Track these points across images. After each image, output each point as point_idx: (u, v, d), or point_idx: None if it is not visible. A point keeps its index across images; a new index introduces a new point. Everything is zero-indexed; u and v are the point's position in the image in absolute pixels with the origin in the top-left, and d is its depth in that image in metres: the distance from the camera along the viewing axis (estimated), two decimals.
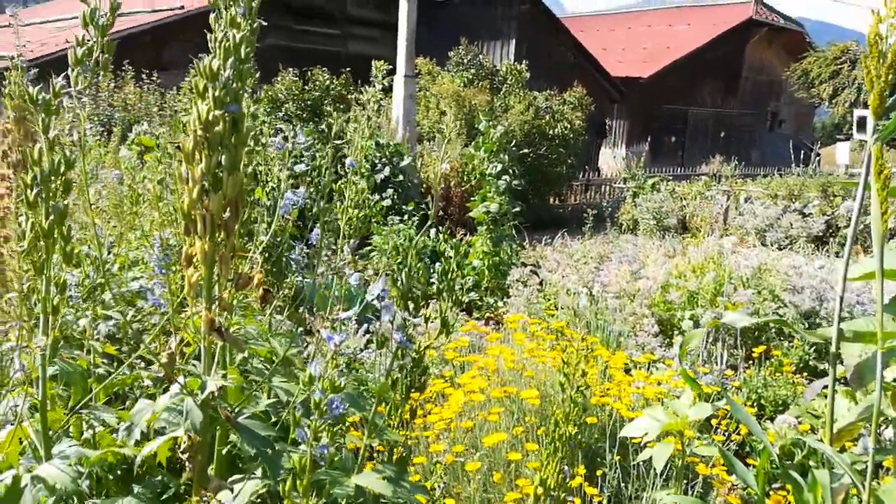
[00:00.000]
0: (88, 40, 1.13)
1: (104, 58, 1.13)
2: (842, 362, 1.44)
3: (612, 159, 19.15)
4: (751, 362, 4.15)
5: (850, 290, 4.70)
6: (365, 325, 4.12)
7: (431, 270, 6.59)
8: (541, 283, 5.69)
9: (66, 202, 0.94)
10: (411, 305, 1.26)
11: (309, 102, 8.70)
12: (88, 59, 1.13)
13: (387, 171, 8.51)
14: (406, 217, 8.00)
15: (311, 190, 1.89)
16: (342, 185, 1.57)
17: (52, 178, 0.93)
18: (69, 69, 1.12)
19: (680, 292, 4.88)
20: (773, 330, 4.47)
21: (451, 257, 1.41)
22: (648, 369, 3.51)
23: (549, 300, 5.29)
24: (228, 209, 1.08)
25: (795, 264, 5.20)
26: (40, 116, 0.95)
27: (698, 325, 4.66)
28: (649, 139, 18.16)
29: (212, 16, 1.18)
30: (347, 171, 1.54)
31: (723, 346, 4.27)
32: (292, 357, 1.49)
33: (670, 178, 13.20)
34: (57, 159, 0.94)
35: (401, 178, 8.39)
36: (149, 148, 5.82)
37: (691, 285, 4.89)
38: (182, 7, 13.16)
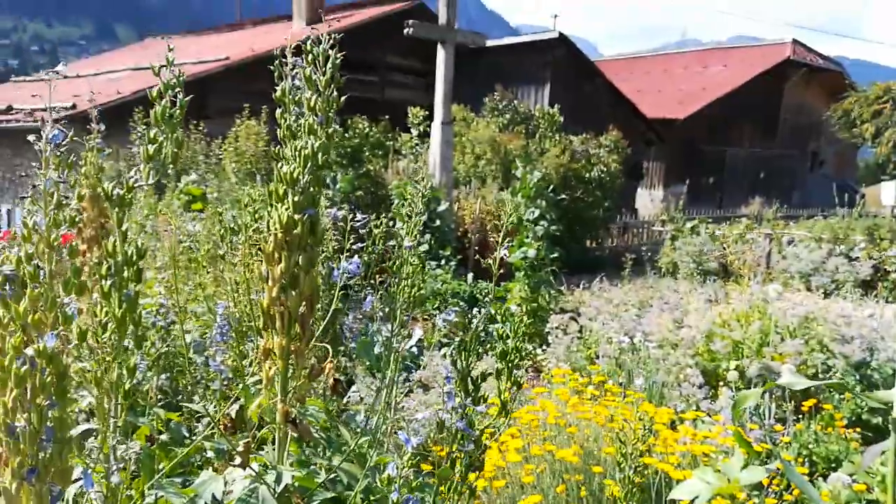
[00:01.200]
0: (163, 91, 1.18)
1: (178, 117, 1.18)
2: None
3: (648, 201, 19.04)
4: (800, 415, 4.02)
5: None
6: (405, 374, 4.12)
7: (470, 316, 6.59)
8: (580, 330, 5.64)
9: (137, 289, 0.98)
10: (471, 387, 1.26)
11: (349, 149, 8.89)
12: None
13: (425, 216, 8.59)
14: (443, 262, 8.04)
15: (366, 258, 1.92)
16: (398, 265, 1.59)
17: (126, 268, 0.97)
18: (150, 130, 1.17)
19: (724, 342, 4.78)
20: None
21: (508, 336, 1.39)
22: (695, 424, 3.43)
23: (589, 348, 5.22)
24: (304, 305, 1.12)
25: (844, 312, 5.06)
26: (114, 211, 1.00)
27: (744, 376, 4.54)
28: (687, 181, 18.02)
29: (278, 111, 1.23)
30: (404, 251, 1.57)
31: (770, 398, 4.15)
32: (343, 424, 1.50)
33: (709, 220, 13.05)
34: (130, 251, 0.99)
35: (438, 223, 8.47)
36: (196, 197, 6.00)
37: (736, 335, 4.78)
38: (227, 57, 13.66)
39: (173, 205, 4.33)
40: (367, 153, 9.29)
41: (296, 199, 1.13)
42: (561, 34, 16.54)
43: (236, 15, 23.34)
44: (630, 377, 4.62)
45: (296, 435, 1.15)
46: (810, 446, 3.68)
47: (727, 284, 8.04)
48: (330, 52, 1.21)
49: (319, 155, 1.16)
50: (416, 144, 10.74)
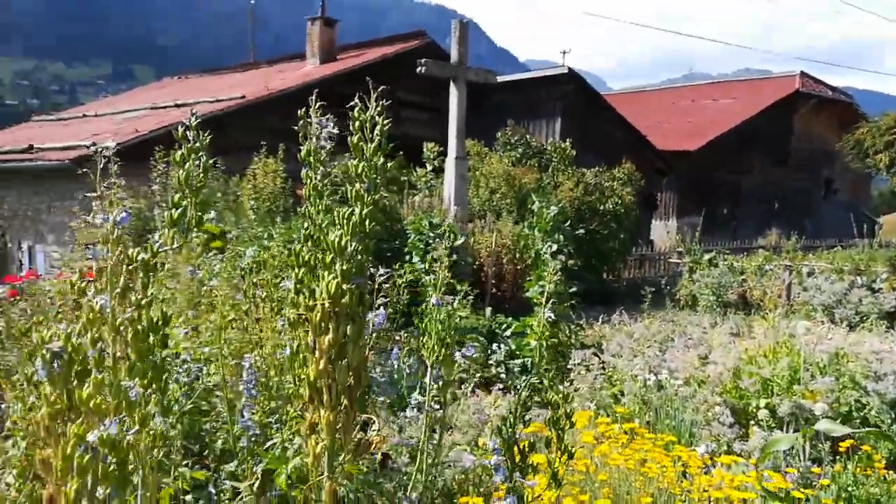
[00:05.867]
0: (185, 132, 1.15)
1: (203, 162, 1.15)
2: None
3: (664, 232, 18.95)
4: (837, 456, 3.89)
5: None
6: (417, 403, 4.04)
7: (489, 351, 6.50)
8: (603, 366, 5.53)
9: (163, 356, 0.94)
10: (518, 457, 1.20)
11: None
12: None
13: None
14: (460, 296, 7.97)
15: (391, 311, 1.87)
16: (426, 324, 1.55)
17: (152, 333, 0.94)
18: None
19: (753, 379, 4.67)
20: (859, 421, 4.21)
21: (559, 404, 1.31)
22: (729, 468, 3.31)
23: (614, 385, 5.12)
24: (352, 377, 1.07)
25: (875, 348, 4.94)
26: (139, 276, 0.96)
27: (775, 414, 4.42)
28: (703, 211, 17.90)
29: (304, 171, 1.19)
30: (432, 308, 1.52)
31: (805, 439, 4.03)
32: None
33: (727, 251, 12.94)
34: (155, 317, 0.95)
35: (454, 257, 8.42)
36: (215, 235, 5.99)
37: (765, 372, 4.67)
38: (243, 96, 13.85)
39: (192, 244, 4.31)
40: (382, 188, 9.29)
41: (344, 267, 1.08)
42: (570, 69, 16.68)
43: (251, 55, 23.76)
44: (658, 416, 4.51)
45: None
46: (850, 489, 3.55)
47: (749, 318, 7.92)
48: (378, 119, 1.17)
49: (367, 223, 1.12)
50: (431, 179, 10.77)
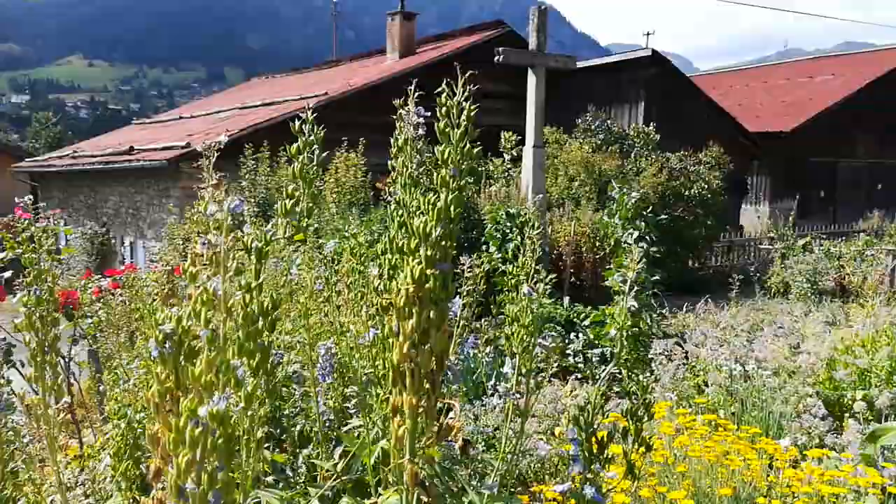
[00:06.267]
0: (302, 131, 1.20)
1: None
2: None
3: (755, 217, 18.12)
4: None
5: None
6: (502, 401, 4.06)
7: (567, 341, 6.43)
8: (686, 356, 5.38)
9: (270, 340, 1.00)
10: (596, 448, 1.20)
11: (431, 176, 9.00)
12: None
13: (519, 239, 8.54)
14: (543, 284, 7.92)
15: (469, 300, 1.90)
16: (512, 312, 1.56)
17: (261, 318, 0.99)
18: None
19: (849, 370, 4.43)
20: None
21: (636, 392, 1.29)
22: (820, 462, 3.16)
23: (697, 376, 4.97)
24: (434, 361, 1.10)
25: None
26: (252, 263, 1.02)
27: (873, 406, 4.17)
28: (798, 196, 16.99)
29: (399, 160, 1.22)
30: (522, 297, 1.53)
31: None
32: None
33: (822, 236, 12.25)
34: (266, 302, 1.00)
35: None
36: (297, 227, 6.22)
37: (862, 362, 4.42)
38: (326, 93, 14.23)
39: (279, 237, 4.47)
40: None
41: (429, 253, 1.10)
42: (654, 51, 16.17)
43: (333, 53, 24.34)
44: (744, 407, 4.35)
45: (425, 499, 1.13)
46: None
47: (847, 305, 7.48)
48: (465, 104, 1.19)
49: (452, 208, 1.14)
50: (509, 168, 10.73)
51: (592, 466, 1.15)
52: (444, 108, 1.19)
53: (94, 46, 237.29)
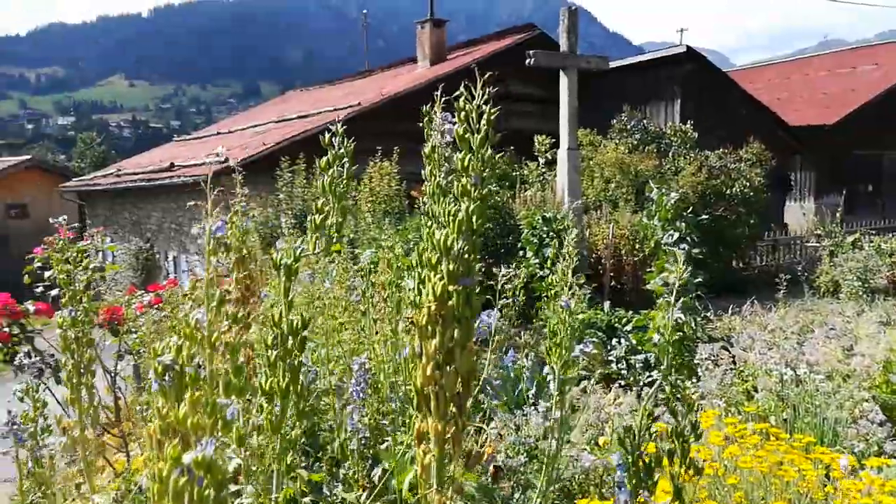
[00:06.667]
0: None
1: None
2: None
3: (800, 214, 17.61)
4: None
5: None
6: (544, 411, 3.97)
7: (608, 347, 6.31)
8: (733, 361, 5.21)
9: (301, 359, 0.96)
10: (644, 475, 1.13)
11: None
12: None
13: (555, 245, 8.43)
14: (578, 293, 7.80)
15: (509, 312, 1.84)
16: (557, 325, 1.50)
17: (291, 337, 0.96)
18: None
19: None
20: None
21: (677, 409, 1.20)
22: (880, 471, 3.01)
23: (745, 381, 4.81)
24: (460, 383, 1.04)
25: None
26: (281, 280, 0.99)
27: None
28: (845, 191, 16.44)
29: (426, 169, 1.18)
30: (560, 310, 1.48)
31: None
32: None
33: (872, 231, 11.82)
34: (296, 321, 0.97)
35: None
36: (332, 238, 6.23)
37: None
38: (359, 103, 14.32)
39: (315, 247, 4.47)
40: (493, 185, 9.29)
41: (450, 267, 1.04)
42: (689, 48, 15.88)
43: (366, 63, 24.54)
44: (796, 413, 4.19)
45: None
46: None
47: None
48: (484, 107, 1.13)
49: (475, 219, 1.07)
50: (544, 172, 10.63)
51: (639, 493, 1.08)
52: (462, 113, 1.13)
53: (134, 67, 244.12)
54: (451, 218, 1.05)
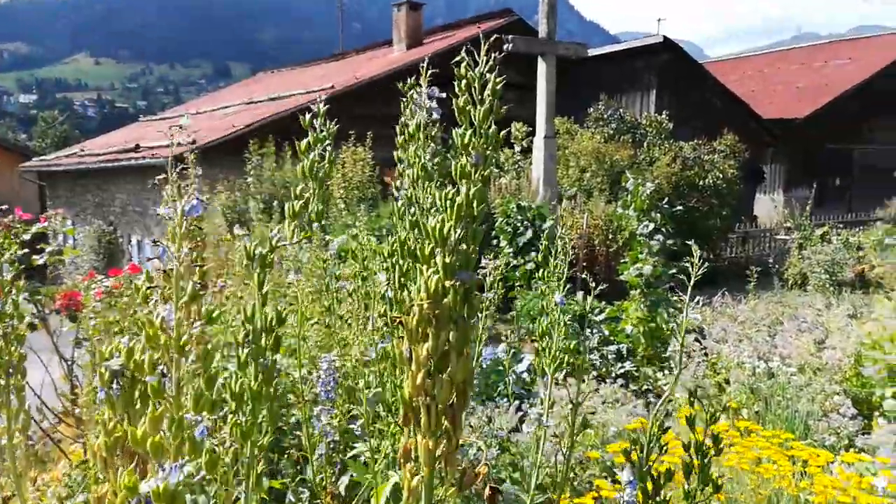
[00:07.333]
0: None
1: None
2: None
3: (772, 207, 17.81)
4: None
5: None
6: (517, 402, 3.90)
7: (581, 337, 6.27)
8: (706, 353, 5.20)
9: (275, 358, 0.84)
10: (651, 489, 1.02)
11: (448, 169, 8.84)
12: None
13: (529, 233, 8.36)
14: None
15: (488, 307, 1.74)
16: (546, 327, 1.40)
17: (264, 335, 0.83)
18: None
19: (878, 366, 4.24)
20: None
21: (695, 420, 1.10)
22: (852, 465, 2.99)
23: (718, 374, 4.79)
24: (455, 395, 0.91)
25: None
26: (255, 272, 0.86)
27: None
28: (815, 184, 16.67)
29: (408, 150, 1.05)
30: (553, 310, 1.37)
31: None
32: None
33: (840, 224, 11.99)
34: (270, 316, 0.84)
35: (543, 242, 8.20)
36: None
37: (892, 357, 4.22)
38: (332, 86, 14.06)
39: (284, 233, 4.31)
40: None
41: (447, 259, 0.90)
42: (665, 38, 15.88)
43: (340, 45, 24.17)
44: (768, 406, 4.18)
45: None
46: None
47: (869, 297, 7.27)
48: (488, 76, 0.99)
49: (475, 204, 0.93)
50: (519, 160, 10.54)
51: None
52: (463, 82, 0.99)
53: (100, 44, 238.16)
54: (448, 203, 0.92)
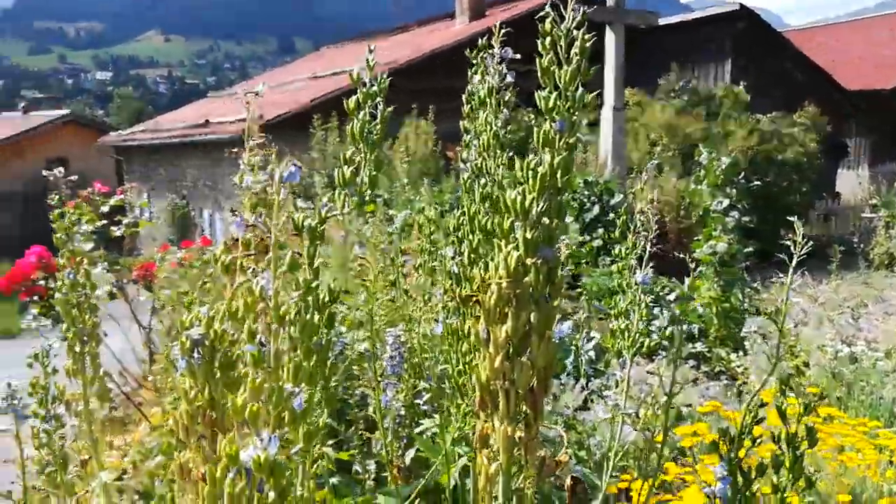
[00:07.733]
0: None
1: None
2: None
3: (856, 182, 16.90)
4: None
5: None
6: (582, 381, 3.81)
7: (651, 317, 6.09)
8: (783, 335, 4.96)
9: (328, 337, 0.79)
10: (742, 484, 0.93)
11: (514, 144, 8.69)
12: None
13: (596, 209, 8.16)
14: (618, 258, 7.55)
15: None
16: (624, 306, 1.31)
17: (317, 312, 0.78)
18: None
19: None
20: None
21: (786, 410, 1.02)
22: None
23: (796, 357, 4.56)
24: (536, 380, 0.84)
25: None
26: (306, 245, 0.81)
27: None
28: None
29: (474, 119, 0.98)
30: (631, 287, 1.28)
31: None
32: None
33: None
34: (322, 295, 0.79)
35: (611, 216, 7.98)
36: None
37: None
38: (395, 60, 14.02)
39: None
40: (531, 145, 9.01)
41: (528, 235, 0.84)
42: (742, 5, 15.13)
43: (400, 18, 24.08)
44: (850, 392, 3.96)
45: None
46: None
47: None
48: (575, 33, 0.89)
49: (559, 175, 0.85)
50: (586, 134, 10.27)
51: None
52: (547, 39, 0.89)
53: (170, 22, 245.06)
54: (530, 172, 0.84)
